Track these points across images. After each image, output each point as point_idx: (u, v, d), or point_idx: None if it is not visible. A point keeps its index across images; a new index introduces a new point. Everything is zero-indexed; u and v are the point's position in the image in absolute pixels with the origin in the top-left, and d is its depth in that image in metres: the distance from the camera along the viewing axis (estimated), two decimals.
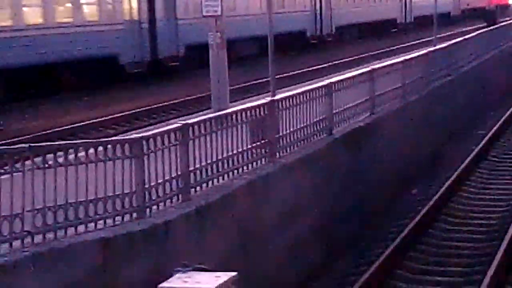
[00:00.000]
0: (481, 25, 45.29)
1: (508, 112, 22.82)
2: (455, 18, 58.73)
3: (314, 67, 31.03)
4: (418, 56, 18.48)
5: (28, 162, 6.96)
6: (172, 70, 29.78)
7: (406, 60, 16.95)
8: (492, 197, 14.89)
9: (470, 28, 45.18)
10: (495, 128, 20.57)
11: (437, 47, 21.77)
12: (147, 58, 28.86)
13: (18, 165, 6.89)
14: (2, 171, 6.74)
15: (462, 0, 56.69)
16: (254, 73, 27.22)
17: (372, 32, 47.63)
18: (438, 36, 28.76)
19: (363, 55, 35.36)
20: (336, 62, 32.95)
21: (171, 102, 23.37)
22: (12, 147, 7.20)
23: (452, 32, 41.12)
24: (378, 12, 48.80)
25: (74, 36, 25.13)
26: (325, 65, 31.87)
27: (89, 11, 26.79)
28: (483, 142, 18.84)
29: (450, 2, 58.42)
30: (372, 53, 35.68)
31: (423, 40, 38.07)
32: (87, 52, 25.65)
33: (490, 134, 19.75)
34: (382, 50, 37.27)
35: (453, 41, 22.78)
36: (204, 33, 14.90)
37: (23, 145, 7.11)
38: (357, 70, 15.22)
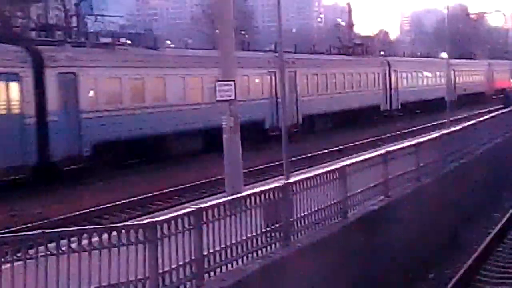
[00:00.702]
0: (481, 111, 45.54)
1: None
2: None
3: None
4: (431, 138, 18.52)
5: (41, 248, 6.93)
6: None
7: (419, 142, 16.97)
8: (509, 281, 14.62)
9: (468, 114, 45.10)
10: (511, 210, 20.37)
11: (451, 129, 21.82)
12: None
13: (31, 251, 6.85)
14: (16, 257, 6.70)
15: (458, 86, 60.38)
16: (268, 156, 27.27)
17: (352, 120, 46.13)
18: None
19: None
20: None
21: (185, 185, 23.36)
22: (25, 233, 7.19)
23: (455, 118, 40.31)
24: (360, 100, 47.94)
25: None
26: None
27: None
28: (500, 224, 18.64)
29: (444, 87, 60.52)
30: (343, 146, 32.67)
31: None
32: None
33: (507, 216, 19.55)
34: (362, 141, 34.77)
35: (467, 123, 22.85)
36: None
37: (37, 231, 7.09)
38: (371, 152, 15.25)
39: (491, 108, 46.39)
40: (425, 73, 57.73)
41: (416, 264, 14.95)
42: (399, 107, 52.33)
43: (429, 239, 16.12)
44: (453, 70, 57.41)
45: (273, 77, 35.66)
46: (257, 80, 35.56)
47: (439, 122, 40.07)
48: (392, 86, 51.49)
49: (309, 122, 40.45)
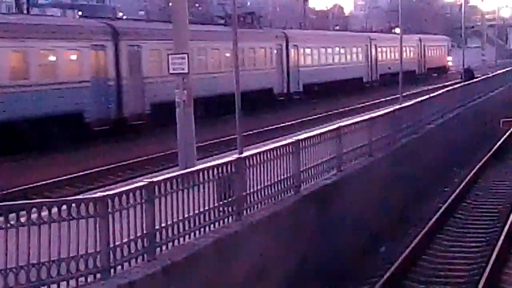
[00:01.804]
0: (446, 83, 45.80)
1: (474, 170, 23.01)
2: (420, 76, 60.94)
3: (281, 124, 31.11)
4: (384, 114, 18.64)
5: None
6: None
7: (372, 118, 17.06)
8: (460, 255, 14.87)
9: (436, 86, 45.74)
10: (461, 186, 20.69)
11: (403, 105, 22.00)
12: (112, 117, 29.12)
13: None
14: None
15: (381, 64, 55.76)
16: (222, 130, 27.21)
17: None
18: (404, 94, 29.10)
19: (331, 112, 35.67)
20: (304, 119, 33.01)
21: (137, 159, 23.19)
22: None
23: (419, 90, 41.83)
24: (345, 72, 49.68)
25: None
26: (292, 122, 31.92)
27: None
28: (450, 199, 18.92)
29: (415, 61, 60.82)
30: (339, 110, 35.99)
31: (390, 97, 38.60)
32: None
33: (456, 192, 19.86)
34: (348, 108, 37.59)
35: (419, 99, 23.05)
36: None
37: None
38: (325, 127, 15.30)
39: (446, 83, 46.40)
40: (336, 49, 49.29)
41: (367, 238, 15.10)
42: (300, 89, 44.46)
43: (381, 214, 16.29)
44: (374, 45, 54.61)
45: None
46: None
47: (351, 107, 38.42)
48: (291, 64, 43.25)
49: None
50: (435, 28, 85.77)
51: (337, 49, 49.66)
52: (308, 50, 45.61)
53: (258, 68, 39.35)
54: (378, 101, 41.51)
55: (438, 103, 24.94)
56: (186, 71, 14.37)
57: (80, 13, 38.03)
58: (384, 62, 55.71)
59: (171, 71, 14.55)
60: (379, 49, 55.60)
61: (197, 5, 62.23)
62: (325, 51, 47.79)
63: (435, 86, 46.73)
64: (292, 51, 43.37)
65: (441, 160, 23.26)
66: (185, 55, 14.42)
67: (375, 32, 63.98)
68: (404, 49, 58.15)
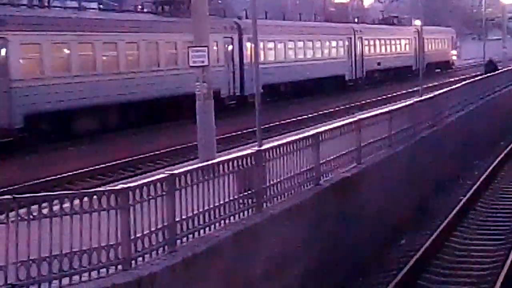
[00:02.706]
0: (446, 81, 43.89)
1: (495, 163, 22.90)
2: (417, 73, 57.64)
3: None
4: (404, 106, 18.58)
5: (12, 214, 6.88)
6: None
7: (392, 110, 17.02)
8: (481, 247, 14.82)
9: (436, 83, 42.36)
10: (482, 178, 20.60)
11: (423, 97, 21.91)
12: None
13: (2, 217, 6.80)
14: None
15: (369, 59, 50.29)
16: (242, 123, 27.26)
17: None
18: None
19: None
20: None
21: (158, 152, 23.29)
22: None
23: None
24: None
25: None
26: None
27: None
28: (471, 192, 18.84)
29: (411, 55, 56.76)
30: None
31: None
32: None
33: (478, 184, 19.77)
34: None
35: (439, 91, 22.95)
36: None
37: (8, 196, 7.03)
38: (344, 120, 15.28)
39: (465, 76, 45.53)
40: (309, 43, 43.45)
41: (387, 230, 15.09)
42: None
43: (401, 206, 16.26)
44: (360, 38, 48.93)
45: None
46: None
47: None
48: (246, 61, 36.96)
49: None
50: (455, 21, 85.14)
51: (309, 43, 43.24)
52: (270, 44, 38.89)
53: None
54: (362, 102, 37.40)
55: (458, 95, 24.81)
56: (206, 63, 14.41)
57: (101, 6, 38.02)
58: (371, 57, 50.42)
59: (191, 64, 14.61)
60: (365, 42, 49.86)
61: None
62: (294, 44, 41.27)
63: (434, 83, 42.43)
64: (248, 45, 35.88)
65: (461, 152, 23.16)
66: (205, 48, 14.45)
67: (364, 23, 57.59)
68: (397, 42, 54.49)
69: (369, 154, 15.03)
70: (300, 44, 42.13)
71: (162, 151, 23.35)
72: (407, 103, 19.55)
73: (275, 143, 11.50)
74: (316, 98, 40.19)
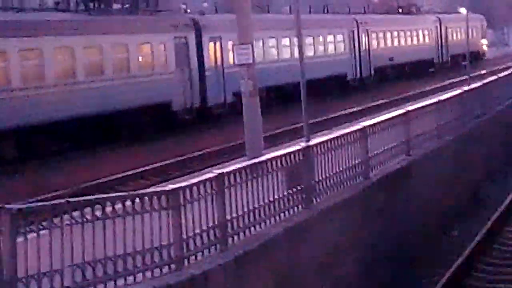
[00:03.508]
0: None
1: None
2: (439, 66, 51.01)
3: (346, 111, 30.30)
4: (452, 97, 18.38)
5: (66, 217, 6.99)
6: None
7: (440, 101, 16.85)
8: None
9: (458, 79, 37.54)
10: None
11: (471, 86, 21.63)
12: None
13: (56, 220, 6.91)
14: (41, 226, 6.77)
15: (377, 53, 43.04)
16: (288, 119, 27.15)
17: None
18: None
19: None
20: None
21: (205, 151, 23.35)
22: (50, 202, 7.24)
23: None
24: None
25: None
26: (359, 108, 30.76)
27: None
28: None
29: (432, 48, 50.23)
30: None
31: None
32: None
33: None
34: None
35: (486, 80, 22.63)
36: None
37: (61, 200, 7.14)
38: (392, 112, 15.17)
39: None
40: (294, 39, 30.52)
41: (439, 222, 14.94)
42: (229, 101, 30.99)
43: (452, 197, 16.09)
44: (365, 30, 41.97)
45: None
46: None
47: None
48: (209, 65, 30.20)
49: None
50: (502, 9, 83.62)
51: (295, 39, 35.05)
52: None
53: (143, 75, 26.54)
54: (363, 107, 30.87)
55: (506, 84, 24.43)
56: (251, 61, 14.42)
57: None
58: (381, 51, 43.50)
59: (236, 62, 14.64)
60: (372, 35, 42.91)
61: None
62: (276, 42, 34.13)
63: (457, 79, 37.76)
64: (210, 45, 29.87)
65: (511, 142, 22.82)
66: (250, 45, 14.47)
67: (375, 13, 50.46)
68: (413, 33, 46.77)
69: (418, 146, 14.91)
70: (286, 41, 34.25)
71: (208, 150, 23.34)
72: (455, 93, 19.32)
73: (323, 138, 11.47)
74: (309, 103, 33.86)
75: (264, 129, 15.19)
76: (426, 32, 49.54)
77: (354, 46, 40.65)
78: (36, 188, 17.77)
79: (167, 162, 21.15)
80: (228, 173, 8.83)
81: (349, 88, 39.51)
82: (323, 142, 11.17)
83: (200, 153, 22.35)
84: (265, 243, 9.10)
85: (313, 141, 11.52)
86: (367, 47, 41.92)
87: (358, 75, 41.04)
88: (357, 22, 41.67)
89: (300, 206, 10.38)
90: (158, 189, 8.48)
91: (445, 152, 16.26)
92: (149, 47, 27.36)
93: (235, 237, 8.92)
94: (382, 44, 44.00)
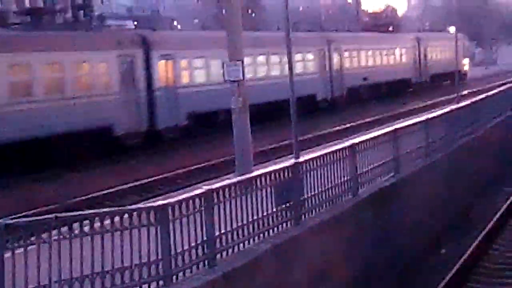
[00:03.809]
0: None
1: None
2: (417, 87, 49.18)
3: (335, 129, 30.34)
4: (441, 114, 18.46)
5: (54, 232, 6.98)
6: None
7: (428, 119, 16.92)
8: None
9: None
10: None
11: (460, 104, 21.74)
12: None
13: (44, 236, 6.90)
14: (29, 241, 6.75)
15: (350, 73, 41.14)
16: (276, 136, 27.22)
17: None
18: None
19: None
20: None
21: (194, 167, 23.34)
22: (38, 217, 7.23)
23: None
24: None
25: None
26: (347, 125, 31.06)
27: None
28: (511, 199, 18.60)
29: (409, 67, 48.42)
30: None
31: None
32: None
33: None
34: None
35: (475, 98, 22.76)
36: None
37: (50, 215, 7.13)
38: (380, 130, 15.23)
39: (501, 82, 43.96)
40: (259, 58, 33.46)
41: (428, 239, 14.97)
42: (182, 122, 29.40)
43: (441, 215, 16.13)
44: (338, 49, 40.21)
45: None
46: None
47: None
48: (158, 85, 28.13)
49: None
50: (491, 28, 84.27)
51: (262, 57, 33.53)
52: (198, 62, 29.58)
53: (85, 95, 24.64)
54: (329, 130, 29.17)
55: (496, 102, 24.57)
56: (241, 78, 14.48)
57: (135, 23, 38.16)
58: (353, 71, 41.49)
59: (226, 78, 14.69)
60: (345, 54, 41.01)
61: (250, 11, 62.52)
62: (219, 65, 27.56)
63: (437, 99, 37.78)
64: (160, 64, 27.86)
65: (501, 159, 22.91)
66: (240, 62, 14.53)
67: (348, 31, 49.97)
68: (390, 51, 44.65)
69: (408, 164, 14.95)
70: (248, 60, 28.22)
71: (196, 166, 23.32)
72: (444, 110, 19.42)
73: (312, 155, 11.50)
74: (272, 126, 29.65)
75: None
76: (403, 51, 47.86)
77: (325, 65, 39.03)
78: (24, 203, 17.73)
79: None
80: (217, 189, 8.84)
81: (318, 109, 37.60)
82: (312, 158, 11.20)
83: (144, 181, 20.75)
84: (254, 260, 9.10)
85: (302, 158, 11.55)
86: (339, 67, 40.34)
87: (330, 95, 39.37)
88: (327, 40, 39.81)
89: (289, 223, 10.39)
90: (147, 204, 8.47)
91: (435, 169, 16.31)
92: (90, 68, 25.15)
93: (224, 253, 8.92)
94: (355, 64, 42.32)
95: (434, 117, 17.48)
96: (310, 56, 37.40)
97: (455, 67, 38.15)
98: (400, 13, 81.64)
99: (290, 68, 14.45)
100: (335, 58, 39.83)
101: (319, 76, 38.07)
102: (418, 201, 14.83)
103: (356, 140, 12.91)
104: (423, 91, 47.29)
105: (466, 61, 56.38)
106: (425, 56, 50.59)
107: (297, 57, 34.40)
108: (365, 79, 42.14)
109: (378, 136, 13.87)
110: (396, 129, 14.63)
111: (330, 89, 39.12)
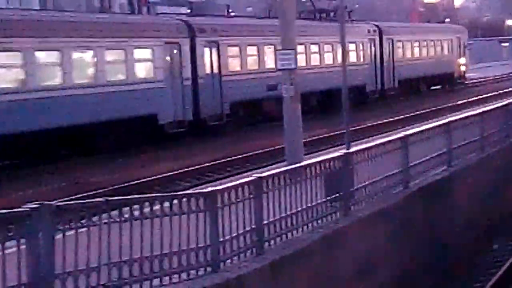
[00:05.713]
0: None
1: None
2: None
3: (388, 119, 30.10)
4: (497, 107, 18.15)
5: (104, 216, 7.05)
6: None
7: (484, 112, 16.66)
8: None
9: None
10: None
11: None
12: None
13: (95, 219, 6.98)
14: (80, 224, 6.84)
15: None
16: (328, 125, 27.07)
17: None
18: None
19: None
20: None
21: (246, 155, 23.37)
22: (89, 201, 7.31)
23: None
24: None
25: None
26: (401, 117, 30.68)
27: None
28: None
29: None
30: None
31: None
32: None
33: None
34: None
35: None
36: None
37: (100, 199, 7.21)
38: (433, 122, 15.05)
39: None
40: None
41: (479, 235, 14.75)
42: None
43: (494, 210, 15.88)
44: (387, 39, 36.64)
45: None
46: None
47: None
48: None
49: None
50: None
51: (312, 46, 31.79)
52: (234, 50, 28.51)
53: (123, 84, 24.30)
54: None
55: None
56: (293, 66, 14.42)
57: (189, 11, 38.10)
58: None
59: (278, 67, 14.66)
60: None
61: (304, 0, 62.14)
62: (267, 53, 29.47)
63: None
64: (205, 52, 27.10)
65: None
66: (292, 51, 14.47)
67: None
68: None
69: (460, 157, 14.75)
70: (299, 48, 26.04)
71: (246, 154, 23.33)
72: (501, 104, 19.09)
73: (364, 146, 11.41)
74: (318, 117, 29.66)
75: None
76: (353, 47, 34.94)
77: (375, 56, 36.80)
78: (76, 186, 18.00)
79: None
80: (267, 177, 8.83)
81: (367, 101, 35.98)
82: (363, 149, 11.12)
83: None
84: (302, 249, 9.08)
85: (353, 148, 11.47)
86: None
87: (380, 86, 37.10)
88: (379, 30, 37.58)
89: (338, 213, 10.34)
90: (196, 190, 8.51)
91: (489, 163, 16.05)
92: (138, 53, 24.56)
93: (272, 242, 8.91)
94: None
95: (489, 110, 17.19)
96: (360, 46, 35.80)
97: (444, 69, 35.45)
98: (457, 3, 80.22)
99: (344, 59, 14.35)
100: (387, 48, 37.71)
101: (369, 66, 36.48)
102: (470, 195, 14.61)
103: (408, 132, 12.77)
104: (383, 102, 36.97)
105: (462, 60, 45.19)
106: (391, 54, 38.71)
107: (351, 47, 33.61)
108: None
109: (430, 128, 13.70)
110: (449, 122, 14.44)
111: (381, 80, 37.32)
